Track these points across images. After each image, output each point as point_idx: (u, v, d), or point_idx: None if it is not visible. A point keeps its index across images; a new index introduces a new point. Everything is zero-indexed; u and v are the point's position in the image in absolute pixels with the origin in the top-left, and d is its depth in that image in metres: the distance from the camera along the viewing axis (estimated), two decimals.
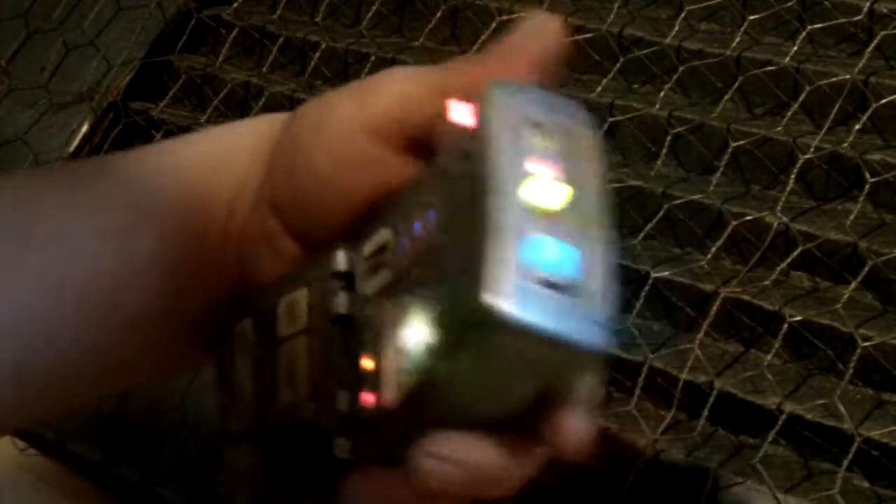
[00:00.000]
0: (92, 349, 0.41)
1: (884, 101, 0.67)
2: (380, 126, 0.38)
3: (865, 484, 0.60)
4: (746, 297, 0.65)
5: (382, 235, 0.37)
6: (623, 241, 0.71)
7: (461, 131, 0.35)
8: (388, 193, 0.38)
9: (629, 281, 0.69)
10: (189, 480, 0.74)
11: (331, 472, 0.38)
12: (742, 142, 0.70)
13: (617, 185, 0.72)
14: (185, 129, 0.89)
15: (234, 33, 0.92)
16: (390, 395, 0.35)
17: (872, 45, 0.70)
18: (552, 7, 0.80)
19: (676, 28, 0.75)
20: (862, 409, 0.61)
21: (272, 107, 0.87)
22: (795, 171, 0.67)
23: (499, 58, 0.37)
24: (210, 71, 0.92)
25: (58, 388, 0.41)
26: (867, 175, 0.65)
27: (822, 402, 0.61)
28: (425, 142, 0.37)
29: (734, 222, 0.67)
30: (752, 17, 0.74)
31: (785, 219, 0.66)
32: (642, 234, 0.70)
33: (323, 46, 0.88)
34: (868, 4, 0.71)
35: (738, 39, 0.73)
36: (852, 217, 0.65)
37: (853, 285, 0.63)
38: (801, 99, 0.69)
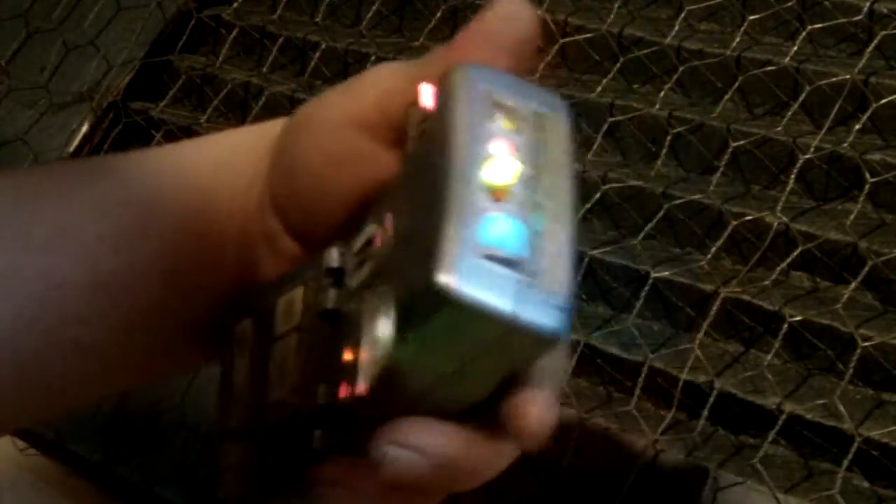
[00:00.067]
0: (92, 349, 0.41)
1: (884, 101, 0.67)
2: (367, 120, 0.38)
3: (865, 484, 0.60)
4: (746, 297, 0.65)
5: (369, 229, 0.37)
6: (623, 241, 0.71)
7: (424, 114, 0.35)
8: (380, 188, 0.38)
9: (629, 281, 0.69)
10: (189, 480, 0.74)
11: (308, 466, 0.38)
12: (742, 142, 0.70)
13: (617, 185, 0.72)
14: (185, 129, 0.90)
15: (234, 33, 0.92)
16: (361, 384, 0.35)
17: (872, 45, 0.70)
18: (552, 7, 0.80)
19: (676, 28, 0.76)
20: (862, 409, 0.61)
21: (272, 107, 0.87)
22: (795, 171, 0.67)
23: (473, 43, 0.37)
24: (210, 71, 0.92)
25: (58, 388, 0.41)
26: (867, 175, 0.65)
27: (822, 402, 0.61)
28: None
29: (734, 222, 0.67)
30: (752, 17, 0.74)
31: (785, 219, 0.66)
32: (642, 234, 0.70)
33: (323, 46, 0.88)
34: (868, 4, 0.71)
35: (738, 39, 0.73)
36: (852, 217, 0.65)
37: (853, 285, 0.64)
38: (801, 99, 0.69)
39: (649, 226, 0.70)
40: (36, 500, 0.85)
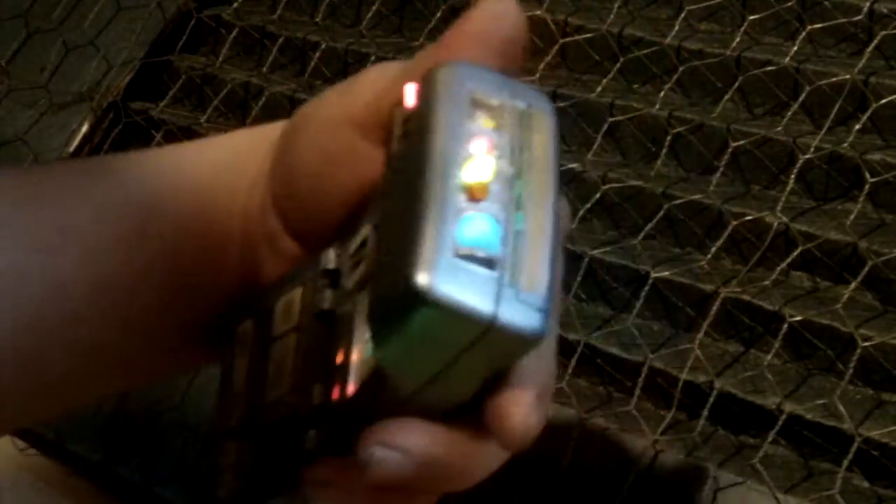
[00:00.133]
0: (92, 349, 0.41)
1: (884, 101, 0.67)
2: (362, 120, 0.38)
3: (865, 484, 0.60)
4: (746, 297, 0.65)
5: (364, 230, 0.37)
6: (623, 241, 0.71)
7: (407, 114, 0.35)
8: (375, 188, 0.38)
9: (629, 281, 0.69)
10: (189, 480, 0.74)
11: (302, 466, 0.38)
12: (742, 142, 0.70)
13: (617, 185, 0.72)
14: (185, 129, 0.90)
15: (234, 33, 0.92)
16: (351, 385, 0.35)
17: (872, 45, 0.70)
18: (552, 7, 0.80)
19: (676, 28, 0.76)
20: (862, 409, 0.61)
21: (272, 107, 0.87)
22: (795, 171, 0.67)
23: (461, 42, 0.37)
24: (210, 71, 0.92)
25: (58, 388, 0.41)
26: (867, 175, 0.65)
27: (822, 402, 0.61)
28: None
29: (734, 222, 0.67)
30: (752, 17, 0.74)
31: (785, 219, 0.66)
32: (642, 234, 0.70)
33: (323, 46, 0.88)
34: (868, 4, 0.71)
35: (738, 39, 0.73)
36: (852, 217, 0.65)
37: (853, 285, 0.64)
38: (801, 99, 0.69)
39: (649, 226, 0.70)
40: (36, 500, 0.85)
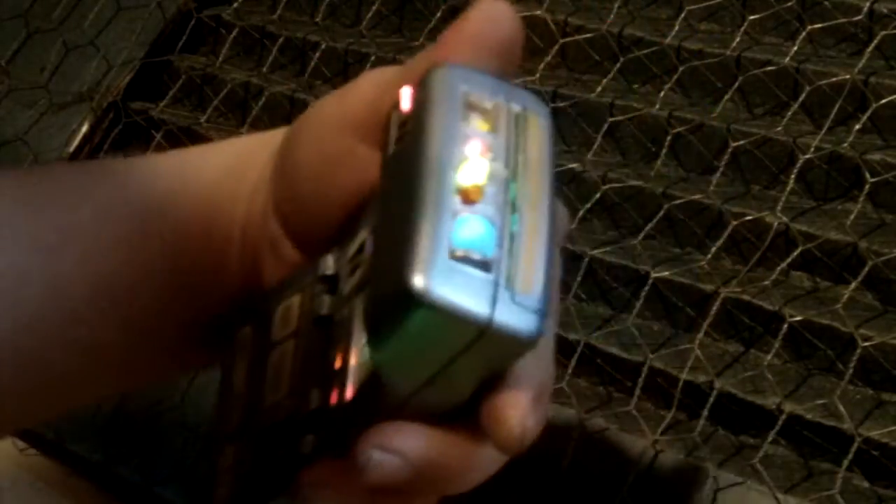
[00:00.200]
0: (92, 349, 0.41)
1: (884, 101, 0.67)
2: (360, 123, 0.38)
3: (865, 484, 0.60)
4: (746, 297, 0.65)
5: (362, 235, 0.37)
6: (623, 241, 0.71)
7: (403, 117, 0.35)
8: (374, 191, 0.38)
9: (629, 281, 0.69)
10: (189, 480, 0.74)
11: (299, 468, 0.38)
12: (742, 142, 0.70)
13: (617, 185, 0.72)
14: (185, 129, 0.90)
15: (234, 33, 0.92)
16: (349, 389, 0.35)
17: (872, 45, 0.70)
18: (552, 7, 0.80)
19: (676, 28, 0.76)
20: (862, 409, 0.61)
21: (272, 107, 0.87)
22: (795, 171, 0.67)
23: (457, 44, 0.37)
24: (210, 71, 0.92)
25: (58, 388, 0.41)
26: (867, 175, 0.65)
27: (822, 402, 0.61)
28: None
29: (734, 222, 0.67)
30: (752, 17, 0.74)
31: (785, 219, 0.66)
32: (642, 234, 0.70)
33: (323, 46, 0.88)
34: (868, 4, 0.71)
35: (738, 39, 0.73)
36: (852, 217, 0.65)
37: (853, 285, 0.64)
38: (801, 99, 0.69)
39: (649, 226, 0.70)
40: (36, 500, 0.85)
